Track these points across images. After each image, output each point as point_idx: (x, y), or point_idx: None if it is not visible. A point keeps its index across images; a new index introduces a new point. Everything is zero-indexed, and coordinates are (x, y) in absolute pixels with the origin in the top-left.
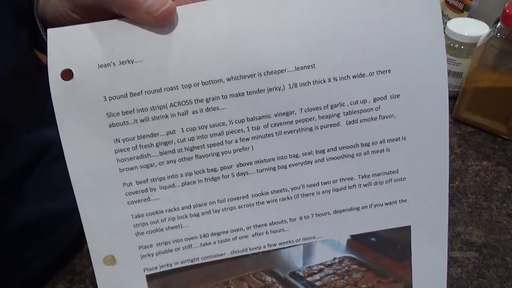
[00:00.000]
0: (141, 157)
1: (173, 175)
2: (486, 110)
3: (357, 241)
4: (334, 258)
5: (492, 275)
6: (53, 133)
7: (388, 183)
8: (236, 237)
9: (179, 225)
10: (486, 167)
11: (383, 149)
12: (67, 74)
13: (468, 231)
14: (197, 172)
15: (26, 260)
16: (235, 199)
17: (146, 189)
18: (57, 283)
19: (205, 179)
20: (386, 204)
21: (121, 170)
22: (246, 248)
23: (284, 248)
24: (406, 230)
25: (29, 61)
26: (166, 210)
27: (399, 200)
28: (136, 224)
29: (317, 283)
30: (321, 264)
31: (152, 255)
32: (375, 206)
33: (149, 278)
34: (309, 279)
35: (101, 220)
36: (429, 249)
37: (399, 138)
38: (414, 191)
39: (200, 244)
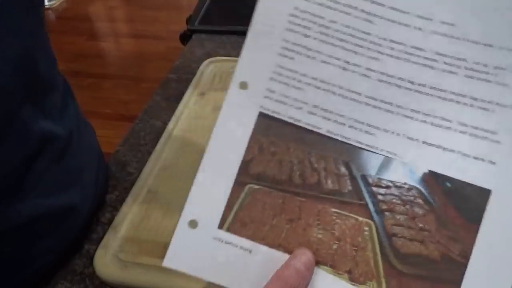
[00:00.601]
0: (305, 27)
1: (318, 51)
2: None
3: (433, 178)
4: (405, 183)
5: None
6: (57, 128)
7: (483, 140)
8: (336, 121)
9: (302, 88)
10: None
11: (488, 108)
12: None
13: None
14: (335, 58)
15: (27, 258)
16: (351, 92)
17: (295, 51)
18: (57, 283)
19: (338, 66)
20: (474, 158)
21: (287, 29)
22: (339, 135)
23: (367, 150)
24: (486, 193)
25: (35, 49)
26: (299, 73)
27: (488, 160)
28: (274, 72)
29: (379, 197)
30: (391, 181)
31: (272, 99)
32: (462, 155)
33: (260, 114)
34: (374, 189)
35: (256, 50)
36: (504, 223)
37: (507, 105)
38: (506, 158)
39: (307, 111)
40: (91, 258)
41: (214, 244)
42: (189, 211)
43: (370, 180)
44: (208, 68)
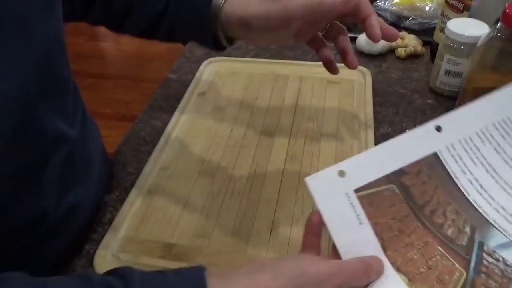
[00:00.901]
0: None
1: (505, 151)
2: None
3: None
4: None
5: None
6: (69, 130)
7: None
8: (486, 199)
9: (475, 162)
10: None
11: None
12: None
13: None
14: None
15: (30, 258)
16: (502, 180)
17: (488, 139)
18: None
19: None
20: None
21: (478, 135)
22: (482, 209)
23: (499, 230)
24: None
25: (55, 53)
26: (480, 153)
27: None
28: (465, 139)
29: (484, 262)
30: (503, 258)
31: (449, 152)
32: None
33: (434, 153)
34: (484, 254)
35: (464, 118)
36: None
37: None
38: None
39: (468, 178)
40: (91, 258)
41: (343, 197)
42: (347, 164)
43: (485, 248)
44: (208, 68)
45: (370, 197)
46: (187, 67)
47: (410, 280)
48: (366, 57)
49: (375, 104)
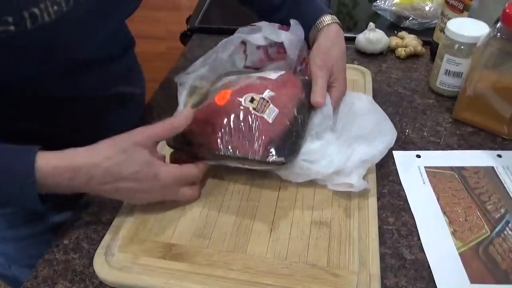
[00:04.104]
0: None
1: None
2: (486, 110)
3: None
4: None
5: None
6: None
7: None
8: None
9: None
10: None
11: None
12: None
13: None
14: None
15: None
16: None
17: None
18: (57, 283)
19: None
20: None
21: None
22: None
23: None
24: None
25: None
26: None
27: None
28: None
29: (505, 231)
30: None
31: (504, 169)
32: None
33: (492, 167)
34: (507, 228)
35: None
36: None
37: None
38: None
39: None
40: (91, 258)
41: (415, 167)
42: (423, 152)
43: (510, 225)
44: None
45: (434, 173)
46: (187, 67)
47: (451, 222)
48: (366, 57)
49: None
